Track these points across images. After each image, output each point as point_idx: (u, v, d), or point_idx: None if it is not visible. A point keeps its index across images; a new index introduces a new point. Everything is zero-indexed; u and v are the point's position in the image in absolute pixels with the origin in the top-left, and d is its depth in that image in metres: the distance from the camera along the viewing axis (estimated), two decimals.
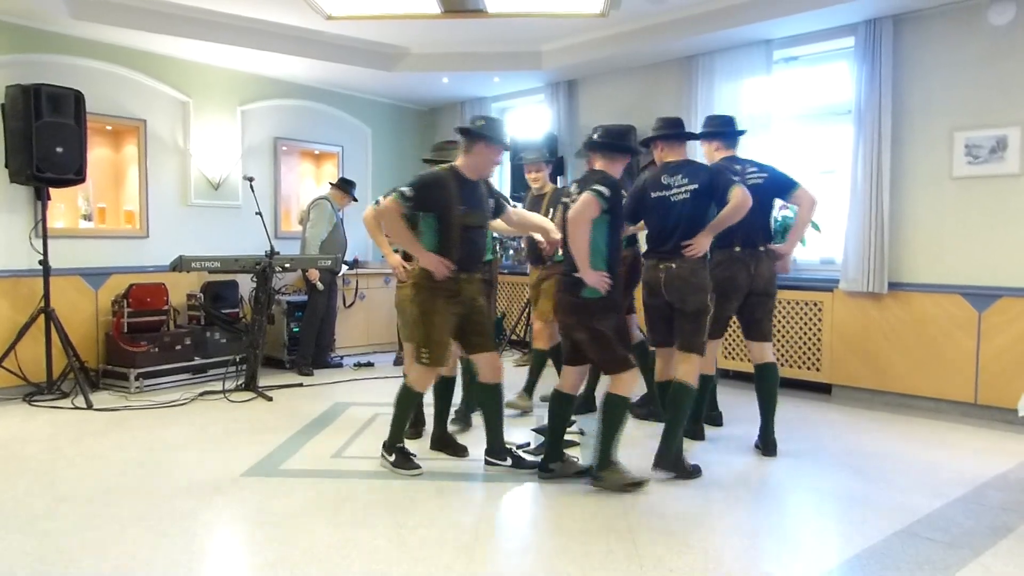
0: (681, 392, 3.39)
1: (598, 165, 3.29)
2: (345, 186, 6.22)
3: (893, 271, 4.86)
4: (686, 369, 3.39)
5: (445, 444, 3.78)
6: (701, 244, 3.35)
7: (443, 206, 3.25)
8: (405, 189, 3.23)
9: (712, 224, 3.36)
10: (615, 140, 3.29)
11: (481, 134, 3.27)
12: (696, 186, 3.37)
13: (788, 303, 5.31)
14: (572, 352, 3.33)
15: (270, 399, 4.97)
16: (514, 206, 4.14)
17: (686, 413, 3.43)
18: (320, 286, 5.93)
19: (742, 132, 4.02)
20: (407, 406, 3.51)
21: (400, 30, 5.81)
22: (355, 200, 6.32)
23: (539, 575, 2.43)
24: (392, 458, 3.45)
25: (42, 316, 4.92)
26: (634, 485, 3.19)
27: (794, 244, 3.93)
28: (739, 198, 3.26)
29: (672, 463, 3.36)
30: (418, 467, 3.43)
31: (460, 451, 3.73)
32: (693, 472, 3.39)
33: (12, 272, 5.08)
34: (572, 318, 3.20)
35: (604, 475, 3.19)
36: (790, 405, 4.91)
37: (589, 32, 5.86)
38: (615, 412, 3.18)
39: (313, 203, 6.16)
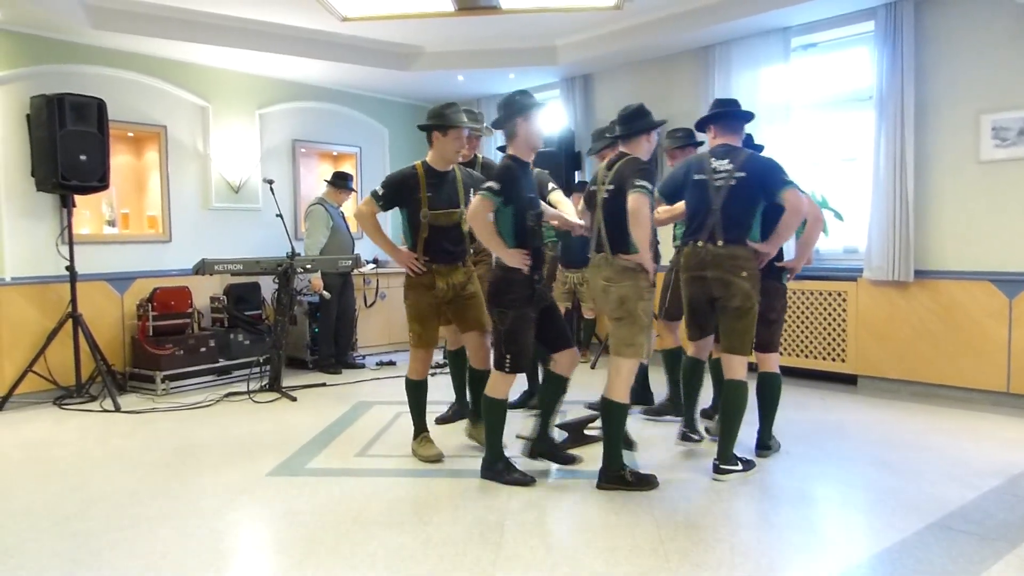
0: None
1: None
2: (339, 181, 6.10)
3: (919, 259, 4.76)
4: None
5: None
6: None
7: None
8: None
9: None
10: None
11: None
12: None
13: (811, 294, 5.24)
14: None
15: (294, 399, 5.01)
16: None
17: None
18: (327, 295, 5.81)
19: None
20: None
21: (414, 29, 5.82)
22: (353, 191, 6.27)
23: (565, 570, 2.42)
24: (739, 467, 3.27)
25: (70, 321, 5.00)
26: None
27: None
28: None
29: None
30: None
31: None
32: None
33: (40, 278, 5.17)
34: (767, 300, 3.38)
35: (772, 444, 3.58)
36: (815, 397, 4.85)
37: (604, 25, 5.82)
38: (777, 386, 3.54)
39: (306, 212, 6.06)
